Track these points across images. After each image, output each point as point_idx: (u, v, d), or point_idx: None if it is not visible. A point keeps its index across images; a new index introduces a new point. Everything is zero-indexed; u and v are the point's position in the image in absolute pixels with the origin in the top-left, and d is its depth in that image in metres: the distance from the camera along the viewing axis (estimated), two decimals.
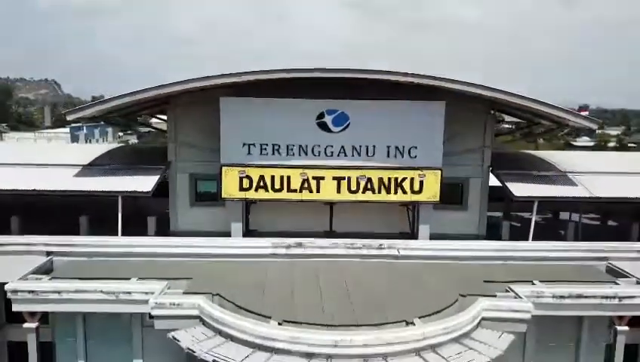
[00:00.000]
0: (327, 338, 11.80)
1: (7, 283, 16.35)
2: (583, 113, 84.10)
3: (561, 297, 14.97)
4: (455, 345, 12.64)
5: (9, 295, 14.71)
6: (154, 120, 25.76)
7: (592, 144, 78.39)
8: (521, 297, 14.30)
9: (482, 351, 12.52)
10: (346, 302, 13.72)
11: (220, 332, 12.79)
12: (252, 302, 13.32)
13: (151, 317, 15.25)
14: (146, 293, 14.39)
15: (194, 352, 12.27)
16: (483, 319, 13.74)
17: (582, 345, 16.13)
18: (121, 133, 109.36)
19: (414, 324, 12.50)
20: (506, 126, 26.54)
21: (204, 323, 13.33)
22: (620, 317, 17.06)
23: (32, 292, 14.67)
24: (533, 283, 15.34)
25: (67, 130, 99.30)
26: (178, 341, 12.81)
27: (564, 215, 23.33)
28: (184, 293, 14.02)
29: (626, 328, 17.41)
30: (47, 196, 19.67)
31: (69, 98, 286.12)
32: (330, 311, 12.97)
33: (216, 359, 11.92)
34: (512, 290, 14.74)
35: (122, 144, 24.54)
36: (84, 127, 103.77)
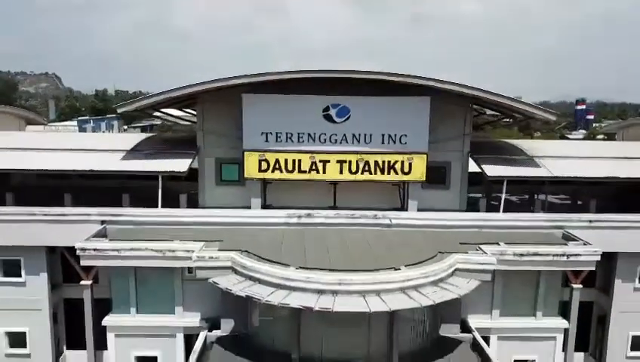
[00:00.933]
0: (333, 278, 15.63)
1: (67, 246, 20.30)
2: (581, 106, 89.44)
3: (520, 255, 18.84)
4: (433, 286, 16.47)
5: (78, 252, 18.52)
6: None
7: (582, 136, 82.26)
8: (487, 253, 18.13)
9: (453, 290, 16.36)
10: (348, 256, 17.53)
11: (250, 278, 16.61)
12: (273, 256, 17.11)
13: (189, 271, 19.23)
14: (187, 251, 18.25)
15: (231, 291, 16.12)
16: (457, 270, 17.59)
17: (539, 297, 19.99)
18: (125, 127, 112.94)
19: (401, 270, 16.30)
20: (489, 117, 30.05)
21: (235, 271, 17.15)
22: (575, 276, 21.03)
23: (97, 250, 18.51)
24: (499, 245, 19.16)
25: (74, 123, 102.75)
26: (217, 284, 16.64)
27: (541, 197, 27.00)
28: (219, 250, 17.82)
29: (580, 286, 21.35)
30: (91, 177, 23.53)
31: (70, 92, 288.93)
32: (335, 261, 16.77)
33: (249, 295, 15.76)
34: (481, 249, 18.59)
35: (151, 134, 28.07)
36: (92, 121, 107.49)
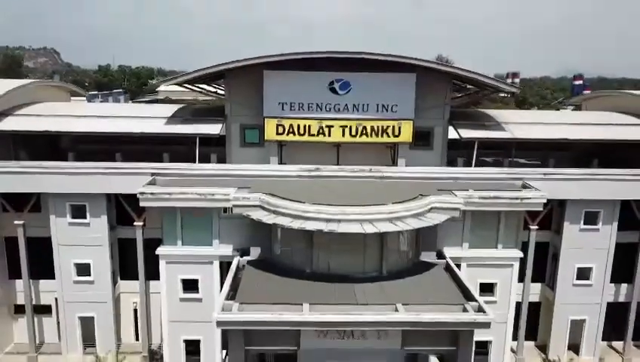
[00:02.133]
0: (338, 210, 21.17)
1: (122, 194, 25.83)
2: (578, 82, 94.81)
3: (484, 198, 24.40)
4: (413, 218, 22.02)
5: (139, 196, 23.98)
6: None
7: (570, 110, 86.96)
8: (457, 196, 23.67)
9: (428, 221, 21.96)
10: (348, 197, 23.02)
11: (274, 212, 22.13)
12: (291, 197, 22.60)
13: (224, 211, 24.79)
14: (224, 194, 23.77)
15: (262, 220, 21.69)
16: (434, 208, 23.09)
17: (500, 232, 25.60)
18: (130, 102, 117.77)
19: (388, 205, 21.83)
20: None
21: (263, 208, 22.68)
22: (532, 219, 26.69)
23: (153, 193, 24.02)
24: (468, 191, 24.67)
25: (83, 98, 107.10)
26: (251, 216, 22.22)
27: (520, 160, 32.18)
28: (249, 192, 23.34)
29: (536, 227, 27.04)
30: (130, 142, 28.75)
31: (69, 66, 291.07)
32: (339, 200, 22.27)
33: (275, 223, 21.37)
34: (453, 193, 24.11)
35: (181, 105, 33.11)
36: (100, 96, 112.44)
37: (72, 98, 36.79)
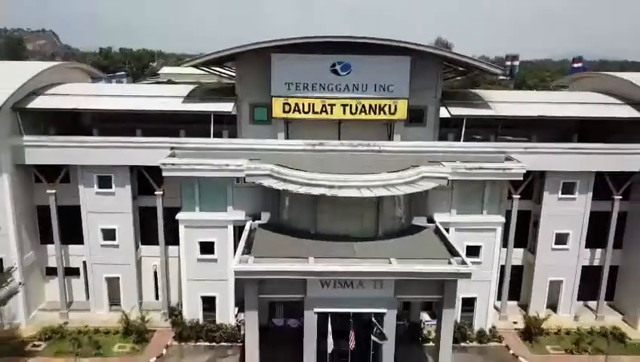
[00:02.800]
0: (339, 178, 24.28)
1: (144, 165, 28.85)
2: (577, 65, 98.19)
3: (470, 169, 27.49)
4: (405, 185, 25.14)
5: (161, 166, 27.03)
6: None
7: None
8: (444, 166, 26.74)
9: (418, 187, 25.05)
10: (348, 167, 26.07)
11: (283, 180, 25.23)
12: (298, 167, 25.65)
13: (237, 181, 27.87)
14: (237, 165, 26.81)
15: (272, 187, 24.80)
16: (424, 177, 26.18)
17: (484, 199, 28.74)
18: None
19: (383, 174, 24.90)
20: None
21: (272, 177, 25.77)
22: (515, 188, 29.78)
23: (174, 164, 27.09)
24: (456, 162, 27.73)
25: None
26: (263, 184, 25.33)
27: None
28: (260, 164, 26.39)
29: (519, 196, 30.15)
30: (153, 118, 31.64)
31: (69, 49, 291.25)
32: (340, 170, 25.33)
33: (285, 189, 24.49)
34: (442, 164, 27.18)
35: (194, 85, 35.85)
36: (103, 79, 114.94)
37: (92, 80, 39.58)
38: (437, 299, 23.50)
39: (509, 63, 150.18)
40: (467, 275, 22.45)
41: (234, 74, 32.49)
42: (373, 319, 23.11)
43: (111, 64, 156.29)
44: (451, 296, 23.04)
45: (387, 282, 22.63)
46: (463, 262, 22.72)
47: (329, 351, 23.12)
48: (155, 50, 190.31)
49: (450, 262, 22.90)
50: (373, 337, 23.03)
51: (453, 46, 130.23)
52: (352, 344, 23.24)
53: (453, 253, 23.87)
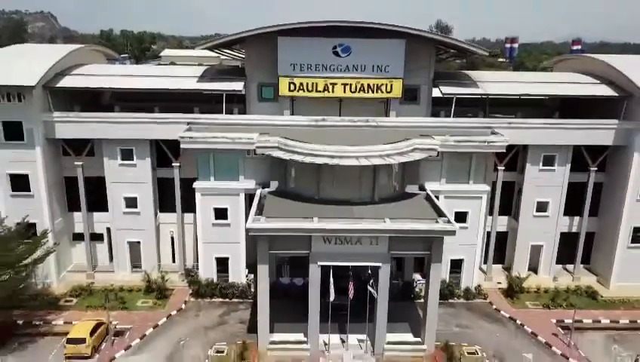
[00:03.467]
0: (340, 148, 27.57)
1: (163, 139, 32.14)
2: (576, 47, 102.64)
3: (458, 141, 30.79)
4: (399, 155, 28.46)
5: (180, 139, 30.32)
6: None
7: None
8: (434, 139, 30.04)
9: (410, 157, 28.37)
10: (348, 140, 29.34)
11: (290, 151, 28.53)
12: (303, 139, 28.93)
13: (248, 153, 31.17)
14: (249, 138, 30.10)
15: (280, 157, 28.12)
16: (415, 148, 29.47)
17: (471, 170, 32.08)
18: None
19: (379, 145, 28.20)
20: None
21: (280, 148, 29.07)
22: (500, 160, 33.10)
23: (191, 138, 30.39)
24: (445, 136, 31.00)
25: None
26: (272, 155, 28.66)
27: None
28: (269, 137, 29.67)
29: (503, 168, 33.46)
30: (168, 96, 34.81)
31: (67, 31, 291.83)
32: (340, 142, 28.60)
33: (292, 158, 27.81)
34: (432, 137, 30.46)
35: (205, 66, 38.96)
36: (118, 60, 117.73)
37: (108, 61, 42.64)
38: (426, 254, 26.95)
39: (508, 46, 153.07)
40: (452, 232, 25.88)
41: (241, 55, 35.57)
42: (369, 272, 26.59)
43: (112, 47, 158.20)
44: (438, 251, 26.47)
45: (382, 239, 26.04)
46: (449, 222, 26.14)
47: (331, 299, 26.62)
48: (154, 33, 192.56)
49: (437, 222, 26.30)
50: (369, 288, 26.56)
51: (453, 28, 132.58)
52: (351, 294, 26.74)
53: (441, 215, 27.26)
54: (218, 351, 27.81)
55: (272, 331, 27.68)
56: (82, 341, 27.01)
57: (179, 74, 35.83)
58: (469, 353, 28.10)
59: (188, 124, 32.12)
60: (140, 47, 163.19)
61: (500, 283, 35.45)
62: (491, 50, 34.73)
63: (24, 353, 27.63)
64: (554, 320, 31.20)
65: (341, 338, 28.41)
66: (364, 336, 28.07)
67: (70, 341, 27.03)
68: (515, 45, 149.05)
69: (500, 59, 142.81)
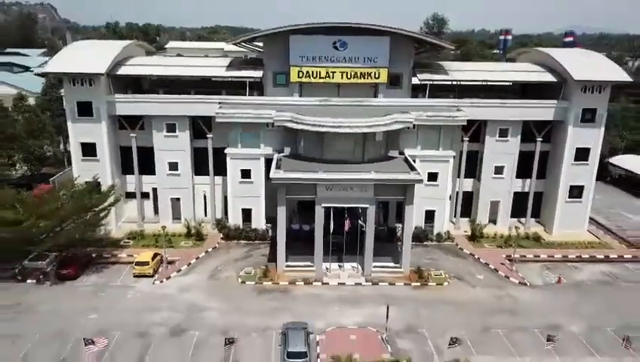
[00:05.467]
0: (339, 120, 37.84)
1: (199, 115, 42.47)
2: (568, 39, 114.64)
3: (429, 116, 41.12)
4: (383, 126, 38.77)
5: (215, 114, 40.58)
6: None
7: None
8: (411, 114, 40.33)
9: (391, 127, 38.68)
10: (345, 115, 39.56)
11: (301, 123, 38.77)
12: (310, 115, 39.16)
13: (267, 125, 41.51)
14: (268, 114, 40.40)
15: (294, 127, 38.40)
16: (396, 121, 39.74)
17: (440, 139, 42.37)
18: None
19: (367, 120, 38.47)
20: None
21: (292, 121, 39.33)
22: (465, 132, 43.43)
23: (224, 113, 40.73)
24: (419, 112, 41.25)
25: None
26: (286, 125, 38.97)
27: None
28: (285, 112, 39.92)
29: (467, 139, 43.83)
30: (199, 83, 44.94)
31: (68, 22, 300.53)
32: (339, 117, 38.82)
33: (302, 128, 38.12)
34: (409, 113, 40.72)
35: (232, 57, 49.44)
36: (155, 54, 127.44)
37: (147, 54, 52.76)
38: (402, 198, 37.24)
39: (502, 37, 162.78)
40: (420, 181, 36.25)
41: (254, 49, 46.04)
42: (359, 210, 37.02)
43: (119, 39, 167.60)
44: (411, 196, 36.75)
45: (369, 186, 36.28)
46: (418, 174, 36.46)
47: (331, 231, 36.80)
48: (157, 25, 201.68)
49: (409, 173, 36.62)
50: (360, 222, 36.91)
51: (449, 20, 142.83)
52: (347, 227, 37.00)
53: (413, 169, 37.55)
54: (246, 272, 38.17)
55: (286, 261, 38.07)
56: (146, 263, 37.38)
57: (209, 64, 46.08)
58: (435, 274, 38.42)
59: (219, 103, 42.32)
60: (146, 39, 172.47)
61: (466, 231, 45.75)
62: (456, 45, 44.22)
63: (102, 274, 37.97)
64: (504, 256, 41.55)
65: (339, 265, 38.78)
66: (356, 264, 38.43)
67: (137, 263, 37.41)
68: (509, 37, 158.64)
69: (494, 51, 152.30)
